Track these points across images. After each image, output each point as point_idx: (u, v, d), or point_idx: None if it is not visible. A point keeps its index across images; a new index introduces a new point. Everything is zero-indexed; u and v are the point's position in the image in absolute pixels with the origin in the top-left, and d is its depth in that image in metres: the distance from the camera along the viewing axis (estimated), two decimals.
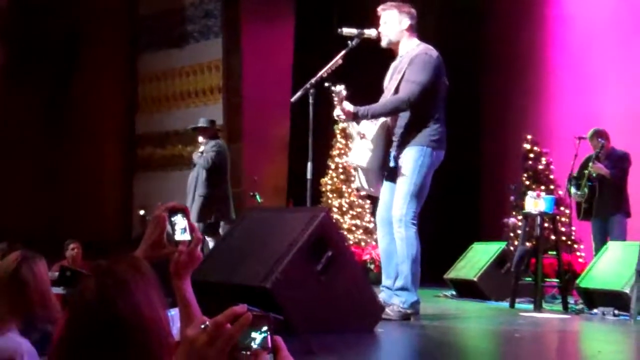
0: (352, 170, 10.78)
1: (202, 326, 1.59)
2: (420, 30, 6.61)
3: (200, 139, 10.03)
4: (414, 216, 6.18)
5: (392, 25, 6.46)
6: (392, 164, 6.38)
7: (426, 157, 6.21)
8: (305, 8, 13.60)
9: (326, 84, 6.18)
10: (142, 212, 11.10)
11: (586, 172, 8.92)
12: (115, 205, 15.21)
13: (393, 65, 6.55)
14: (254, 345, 1.57)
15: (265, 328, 1.58)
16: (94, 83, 15.19)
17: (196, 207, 9.56)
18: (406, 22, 6.44)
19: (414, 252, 6.14)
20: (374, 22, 6.57)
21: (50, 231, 12.95)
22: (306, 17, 13.39)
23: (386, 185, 6.44)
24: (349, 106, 6.13)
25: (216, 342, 1.56)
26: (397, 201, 6.22)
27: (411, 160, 6.21)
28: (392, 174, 6.38)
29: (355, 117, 6.19)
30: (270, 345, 1.57)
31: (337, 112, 6.18)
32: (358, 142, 6.36)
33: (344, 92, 6.10)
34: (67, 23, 15.36)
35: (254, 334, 1.57)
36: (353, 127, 6.41)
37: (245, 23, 13.39)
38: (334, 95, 6.10)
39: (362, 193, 11.95)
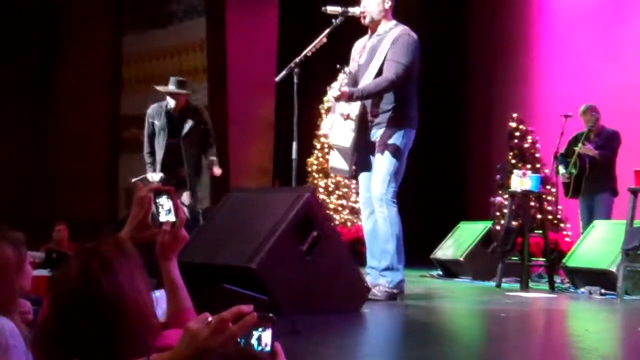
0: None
1: (206, 321, 1.60)
2: (406, 9, 6.57)
3: (173, 102, 8.43)
4: (394, 195, 6.25)
5: (375, 3, 6.44)
6: (371, 145, 6.37)
7: (404, 138, 6.28)
8: None
9: (338, 66, 6.24)
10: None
11: (576, 149, 8.86)
12: (100, 186, 15.14)
13: (368, 44, 6.52)
14: (255, 347, 1.58)
15: (268, 330, 1.59)
16: (78, 64, 15.08)
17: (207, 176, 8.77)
18: (388, 2, 6.44)
19: (397, 230, 6.21)
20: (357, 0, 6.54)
21: (36, 212, 12.89)
22: None
23: (367, 167, 6.45)
24: (345, 87, 6.19)
25: (217, 338, 1.57)
26: (377, 181, 6.28)
27: (390, 141, 6.26)
28: (371, 157, 6.38)
29: (350, 98, 6.19)
30: (269, 348, 1.59)
31: (334, 92, 6.20)
32: (341, 123, 6.35)
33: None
34: (49, 3, 15.22)
35: (255, 333, 1.58)
36: (336, 108, 6.41)
37: (230, 2, 13.29)
38: (344, 75, 6.19)
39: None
